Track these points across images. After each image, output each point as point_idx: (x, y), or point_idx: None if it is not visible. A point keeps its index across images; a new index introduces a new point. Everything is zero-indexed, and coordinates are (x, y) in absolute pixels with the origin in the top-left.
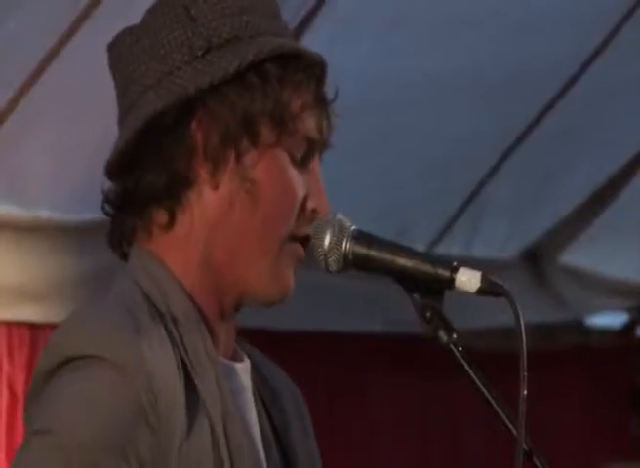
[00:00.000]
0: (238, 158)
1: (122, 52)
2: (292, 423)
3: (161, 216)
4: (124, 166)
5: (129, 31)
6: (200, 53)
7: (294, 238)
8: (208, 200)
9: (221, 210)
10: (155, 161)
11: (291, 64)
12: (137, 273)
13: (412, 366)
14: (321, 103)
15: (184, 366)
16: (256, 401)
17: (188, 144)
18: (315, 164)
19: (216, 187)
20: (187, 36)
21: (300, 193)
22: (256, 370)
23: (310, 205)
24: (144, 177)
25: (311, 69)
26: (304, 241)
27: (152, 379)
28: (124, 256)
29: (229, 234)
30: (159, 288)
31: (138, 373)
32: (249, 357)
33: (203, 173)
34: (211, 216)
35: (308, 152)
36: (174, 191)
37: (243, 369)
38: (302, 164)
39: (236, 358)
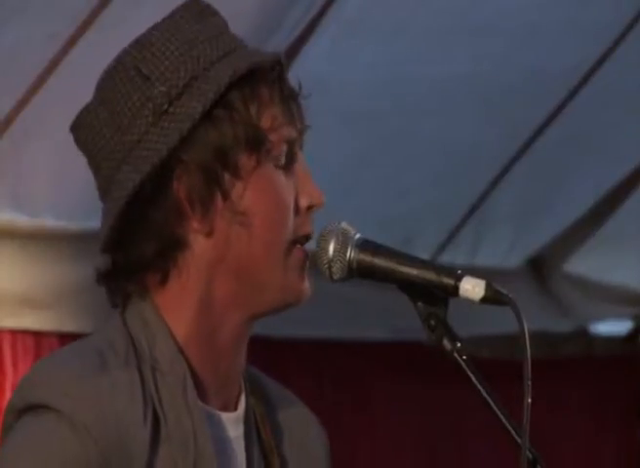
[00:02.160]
0: (225, 196)
1: (86, 131)
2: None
3: (155, 277)
4: (115, 245)
5: (87, 109)
6: (162, 110)
7: (296, 240)
8: (203, 249)
9: (219, 251)
10: (144, 231)
11: (251, 81)
12: (129, 316)
13: (417, 373)
14: (290, 100)
15: (155, 417)
16: (249, 444)
17: (174, 205)
18: (299, 157)
19: (210, 234)
20: (146, 97)
21: (290, 200)
22: (266, 404)
23: (303, 203)
24: (136, 248)
25: (270, 75)
26: (305, 240)
27: (105, 440)
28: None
29: (230, 269)
30: (145, 331)
31: (90, 432)
32: (261, 388)
33: (194, 225)
34: (209, 261)
35: (290, 152)
36: (167, 255)
37: (232, 418)
38: (287, 164)
39: (229, 407)
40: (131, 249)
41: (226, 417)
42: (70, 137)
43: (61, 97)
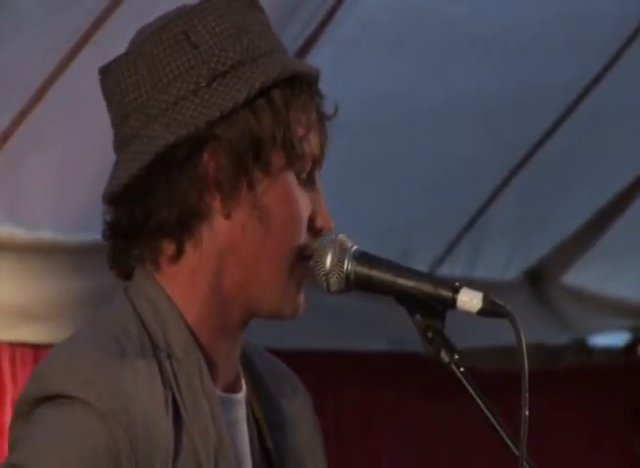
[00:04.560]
0: (250, 186)
1: (119, 79)
2: (288, 441)
3: (170, 248)
4: (130, 197)
5: (124, 58)
6: (205, 82)
7: (302, 257)
8: (220, 229)
9: (233, 238)
10: (166, 194)
11: (295, 86)
12: (137, 299)
13: (417, 384)
14: (322, 120)
15: (175, 405)
16: (249, 425)
17: (200, 176)
18: (318, 180)
19: (228, 216)
20: (190, 65)
21: (306, 214)
22: (257, 379)
23: (318, 223)
24: (156, 211)
25: (313, 87)
26: (311, 258)
27: (133, 427)
28: (124, 275)
29: (241, 260)
30: (158, 318)
31: (117, 423)
32: (252, 364)
33: (215, 203)
34: (222, 245)
35: (313, 170)
36: (186, 224)
37: (240, 398)
38: (308, 181)
39: (235, 388)
40: (154, 209)
41: (234, 399)
42: (68, 151)
43: (60, 112)
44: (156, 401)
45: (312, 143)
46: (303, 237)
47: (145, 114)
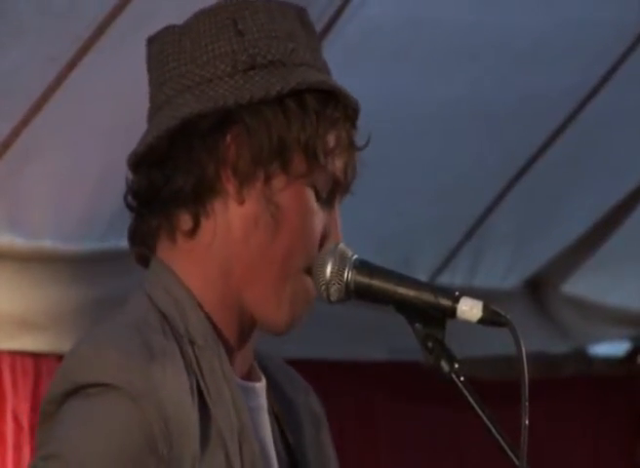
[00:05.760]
0: (267, 180)
1: (163, 48)
2: (306, 439)
3: (185, 222)
4: (152, 160)
5: (172, 29)
6: (243, 68)
7: (309, 272)
8: (233, 214)
9: (246, 227)
10: (185, 162)
11: (330, 101)
12: (154, 291)
13: (417, 394)
14: (351, 146)
15: (199, 390)
16: (270, 418)
17: (220, 155)
18: (337, 204)
19: (242, 203)
20: (232, 49)
21: (319, 230)
22: (272, 380)
23: (331, 242)
24: (173, 177)
25: (347, 110)
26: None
27: (164, 408)
28: (141, 258)
29: (250, 253)
30: (177, 307)
31: (150, 403)
32: (265, 367)
33: (230, 187)
34: (235, 231)
35: (333, 192)
36: (200, 197)
37: (260, 388)
38: (326, 202)
39: (253, 377)
40: (171, 175)
41: (254, 387)
42: (69, 160)
43: (61, 121)
44: (182, 387)
45: (337, 164)
46: (314, 251)
47: (180, 84)
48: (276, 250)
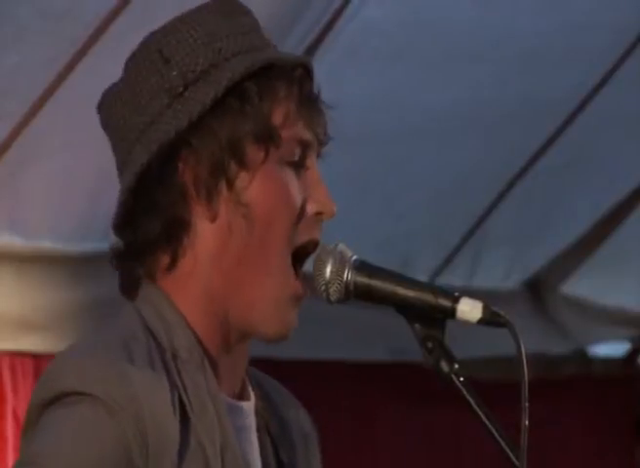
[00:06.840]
0: (230, 185)
1: (109, 110)
2: (299, 457)
3: (164, 259)
4: (124, 221)
5: (112, 88)
6: (178, 92)
7: (299, 249)
8: (207, 233)
9: (221, 239)
10: (150, 211)
11: (268, 76)
12: (142, 306)
13: (417, 394)
14: (308, 103)
15: (181, 403)
16: (262, 436)
17: (179, 187)
18: (313, 163)
19: (214, 219)
20: (163, 80)
21: (298, 200)
22: (266, 399)
23: (311, 208)
24: (142, 228)
25: (290, 74)
26: (312, 248)
27: (142, 420)
28: (134, 298)
29: (230, 261)
30: (163, 321)
31: (127, 415)
32: (260, 385)
33: (199, 209)
34: (212, 248)
35: (304, 153)
36: (172, 235)
37: (248, 407)
38: (299, 166)
39: (242, 395)
40: (138, 227)
41: (240, 406)
42: (68, 162)
43: (59, 123)
44: (163, 400)
45: (296, 129)
46: (294, 225)
47: (128, 140)
48: (255, 244)
